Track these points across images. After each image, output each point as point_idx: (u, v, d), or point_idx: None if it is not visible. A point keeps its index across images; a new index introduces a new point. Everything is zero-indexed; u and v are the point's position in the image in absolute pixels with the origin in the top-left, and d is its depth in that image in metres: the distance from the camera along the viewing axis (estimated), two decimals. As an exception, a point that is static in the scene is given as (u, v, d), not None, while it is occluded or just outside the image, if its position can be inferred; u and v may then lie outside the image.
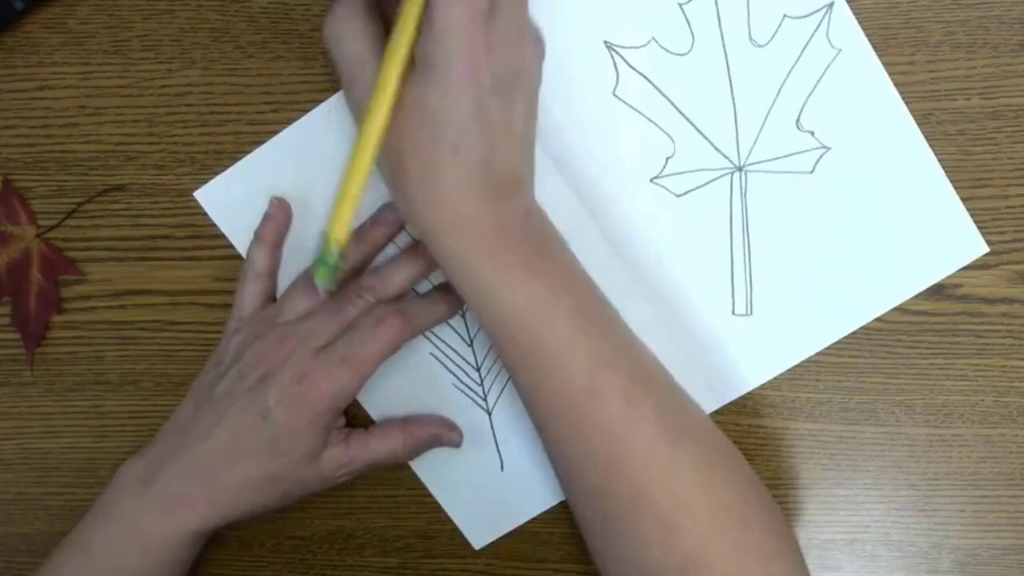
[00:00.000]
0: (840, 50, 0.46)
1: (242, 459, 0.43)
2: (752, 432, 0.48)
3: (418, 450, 0.48)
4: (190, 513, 0.44)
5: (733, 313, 0.47)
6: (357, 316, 0.44)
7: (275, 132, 0.48)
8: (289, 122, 0.48)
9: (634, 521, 0.40)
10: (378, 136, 0.38)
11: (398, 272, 0.46)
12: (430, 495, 0.50)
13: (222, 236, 0.49)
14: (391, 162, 0.40)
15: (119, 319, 0.50)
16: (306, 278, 0.46)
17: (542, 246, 0.41)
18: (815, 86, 0.46)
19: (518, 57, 0.39)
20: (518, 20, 0.39)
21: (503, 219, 0.40)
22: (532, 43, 0.40)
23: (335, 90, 0.47)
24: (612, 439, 0.40)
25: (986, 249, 0.46)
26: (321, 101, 0.48)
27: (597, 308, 0.42)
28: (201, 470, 0.44)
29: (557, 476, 0.44)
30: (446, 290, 0.46)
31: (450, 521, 0.50)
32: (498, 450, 0.49)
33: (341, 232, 0.39)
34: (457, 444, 0.48)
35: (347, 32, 0.40)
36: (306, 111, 0.48)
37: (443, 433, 0.48)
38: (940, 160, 0.46)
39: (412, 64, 0.38)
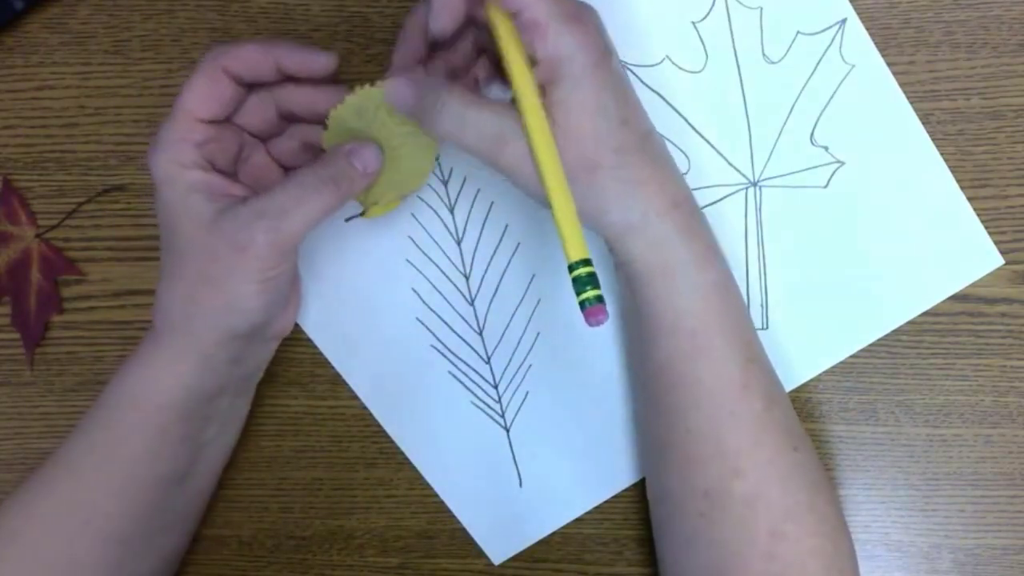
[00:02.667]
0: (853, 66, 0.46)
1: (162, 267, 0.42)
2: (752, 432, 0.48)
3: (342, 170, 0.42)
4: (162, 345, 0.43)
5: None
6: None
7: (275, 132, 0.48)
8: (289, 122, 0.48)
9: (743, 524, 0.39)
10: (556, 159, 0.38)
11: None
12: (430, 495, 0.50)
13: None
14: (577, 167, 0.39)
15: (119, 319, 0.50)
16: None
17: (699, 216, 0.41)
18: (829, 101, 0.46)
19: (599, 24, 0.39)
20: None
21: (677, 190, 0.40)
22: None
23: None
24: (748, 436, 0.39)
25: (1001, 261, 0.46)
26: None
27: (742, 301, 0.42)
28: (171, 321, 0.43)
29: (662, 484, 0.43)
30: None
31: (450, 521, 0.50)
32: (516, 466, 0.49)
33: (580, 252, 0.38)
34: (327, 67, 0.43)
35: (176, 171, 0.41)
36: (306, 111, 0.48)
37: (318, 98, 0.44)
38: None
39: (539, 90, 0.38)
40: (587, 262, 0.37)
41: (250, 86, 0.43)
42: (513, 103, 0.39)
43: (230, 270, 0.41)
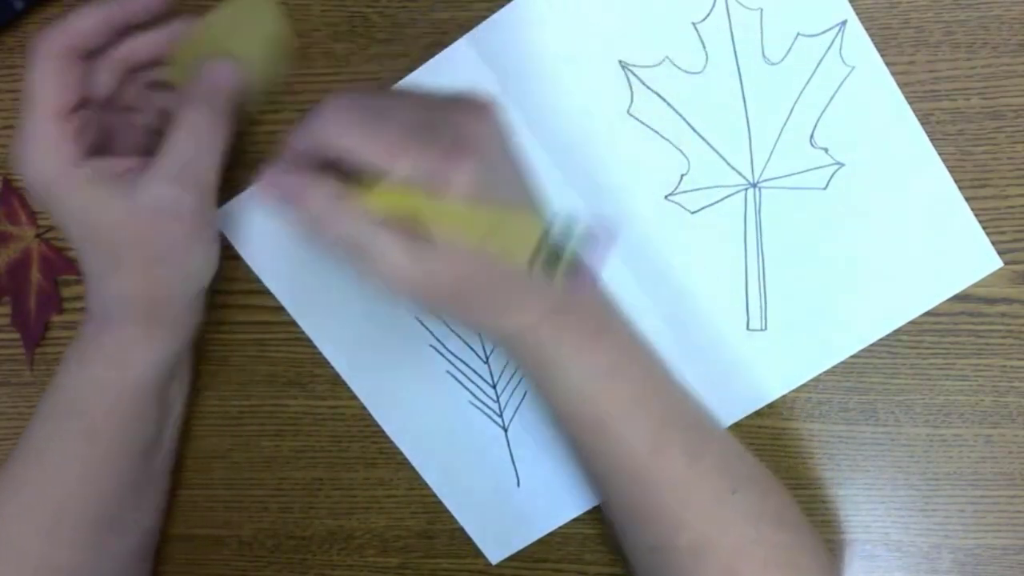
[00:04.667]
0: (853, 67, 0.46)
1: (84, 264, 0.42)
2: (752, 432, 0.48)
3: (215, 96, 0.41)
4: (114, 328, 0.43)
5: (748, 328, 0.48)
6: None
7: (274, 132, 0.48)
8: (288, 122, 0.48)
9: (695, 574, 0.40)
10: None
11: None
12: (430, 495, 0.50)
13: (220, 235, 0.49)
14: (445, 306, 0.39)
15: (119, 319, 0.50)
16: None
17: (598, 312, 0.42)
18: (828, 103, 0.46)
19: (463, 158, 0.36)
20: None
21: (559, 300, 0.40)
22: (475, 116, 0.38)
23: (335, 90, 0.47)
24: (677, 494, 0.40)
25: (1000, 264, 0.46)
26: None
27: (654, 366, 0.42)
28: (88, 291, 0.43)
29: (614, 533, 0.44)
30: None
31: (450, 521, 0.50)
32: (514, 466, 0.49)
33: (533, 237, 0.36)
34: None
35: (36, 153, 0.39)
36: (304, 110, 0.47)
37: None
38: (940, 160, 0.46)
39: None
40: (545, 234, 0.35)
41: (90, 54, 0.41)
42: None
43: (177, 241, 0.41)
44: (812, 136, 0.46)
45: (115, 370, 0.43)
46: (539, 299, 0.39)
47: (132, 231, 0.40)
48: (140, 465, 0.45)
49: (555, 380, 0.41)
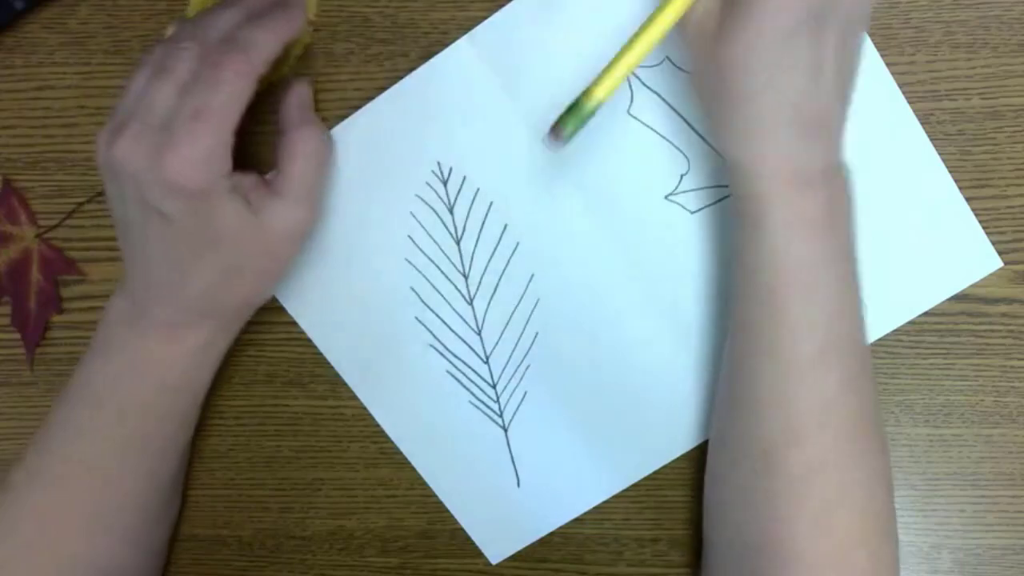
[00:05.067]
0: None
1: (189, 268, 0.42)
2: (752, 432, 0.48)
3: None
4: (189, 333, 0.44)
5: None
6: (190, 70, 0.40)
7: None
8: (289, 122, 0.48)
9: (796, 494, 0.39)
10: (675, 16, 0.38)
11: (221, 15, 0.41)
12: (430, 495, 0.50)
13: (222, 236, 0.49)
14: (708, 88, 0.40)
15: (119, 319, 0.50)
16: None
17: (831, 210, 0.40)
18: None
19: None
20: None
21: (806, 165, 0.39)
22: None
23: (334, 90, 0.47)
24: (814, 414, 0.39)
25: (1000, 264, 0.46)
26: (319, 102, 0.48)
27: (853, 287, 0.41)
28: (168, 294, 0.43)
29: (723, 420, 0.43)
30: (279, 4, 0.43)
31: (450, 521, 0.50)
32: (514, 466, 0.49)
33: (604, 94, 0.39)
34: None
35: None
36: (306, 111, 0.48)
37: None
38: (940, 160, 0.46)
39: None
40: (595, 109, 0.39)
41: None
42: None
43: (256, 265, 0.43)
44: (812, 136, 0.46)
45: (165, 373, 0.44)
46: (785, 139, 0.39)
47: (246, 242, 0.42)
48: (183, 459, 0.48)
49: (770, 250, 0.39)
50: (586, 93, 0.39)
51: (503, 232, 0.48)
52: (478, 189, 0.48)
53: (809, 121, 0.38)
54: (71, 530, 0.44)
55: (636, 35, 0.39)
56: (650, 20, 0.39)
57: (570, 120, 0.39)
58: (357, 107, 0.47)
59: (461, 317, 0.49)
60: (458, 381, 0.49)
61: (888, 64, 0.46)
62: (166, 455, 0.46)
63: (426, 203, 0.48)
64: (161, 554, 0.50)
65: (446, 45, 0.47)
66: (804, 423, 0.39)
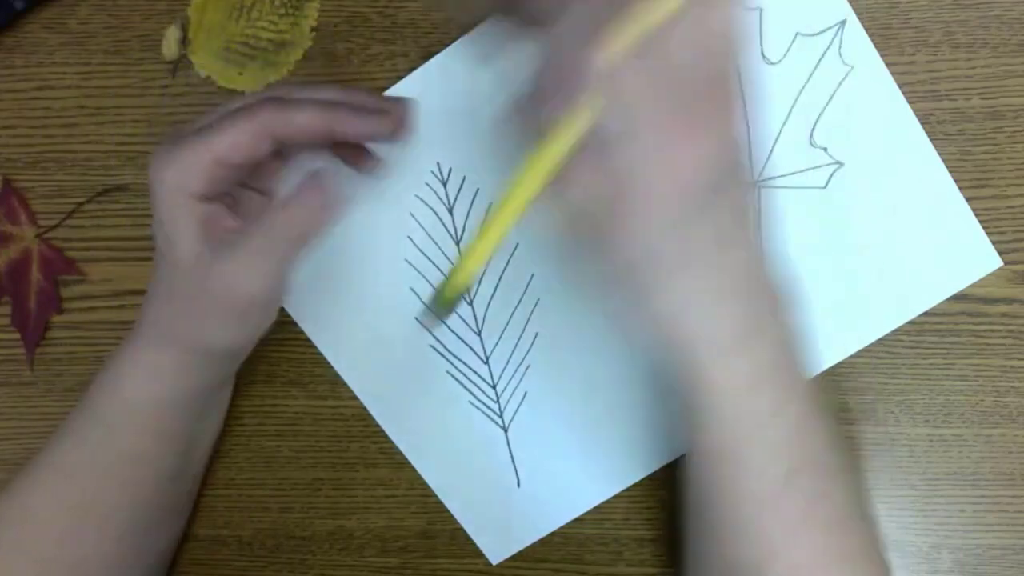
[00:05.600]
0: (852, 67, 0.46)
1: (152, 284, 0.42)
2: (752, 432, 0.48)
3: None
4: (150, 348, 0.42)
5: None
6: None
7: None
8: (289, 122, 0.48)
9: None
10: (528, 198, 0.34)
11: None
12: (430, 495, 0.50)
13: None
14: (606, 279, 0.36)
15: (119, 319, 0.50)
16: None
17: (773, 356, 0.37)
18: (828, 102, 0.46)
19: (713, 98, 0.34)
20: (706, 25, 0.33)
21: (735, 326, 0.36)
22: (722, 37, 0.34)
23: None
24: (786, 533, 0.37)
25: (1000, 263, 0.46)
26: (321, 101, 0.48)
27: (812, 412, 0.38)
28: (160, 328, 0.42)
29: (684, 541, 0.42)
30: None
31: (450, 521, 0.50)
32: (514, 467, 0.49)
33: (465, 280, 0.36)
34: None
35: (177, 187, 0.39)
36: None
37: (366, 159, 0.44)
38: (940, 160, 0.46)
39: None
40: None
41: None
42: None
43: (210, 311, 0.41)
44: (811, 135, 0.46)
45: (137, 388, 0.43)
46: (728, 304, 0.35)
47: (194, 277, 0.40)
48: (164, 489, 0.46)
49: (692, 404, 0.37)
50: (447, 282, 0.36)
51: (503, 232, 0.48)
52: (478, 189, 0.48)
53: (731, 284, 0.36)
54: (49, 533, 0.43)
55: (489, 222, 0.35)
56: (506, 195, 0.34)
57: (437, 309, 0.37)
58: (357, 107, 0.47)
59: (461, 317, 0.49)
60: (458, 381, 0.49)
61: (888, 64, 0.46)
62: (138, 468, 0.44)
63: (426, 204, 0.48)
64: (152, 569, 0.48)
65: (446, 45, 0.47)
66: (776, 541, 0.37)
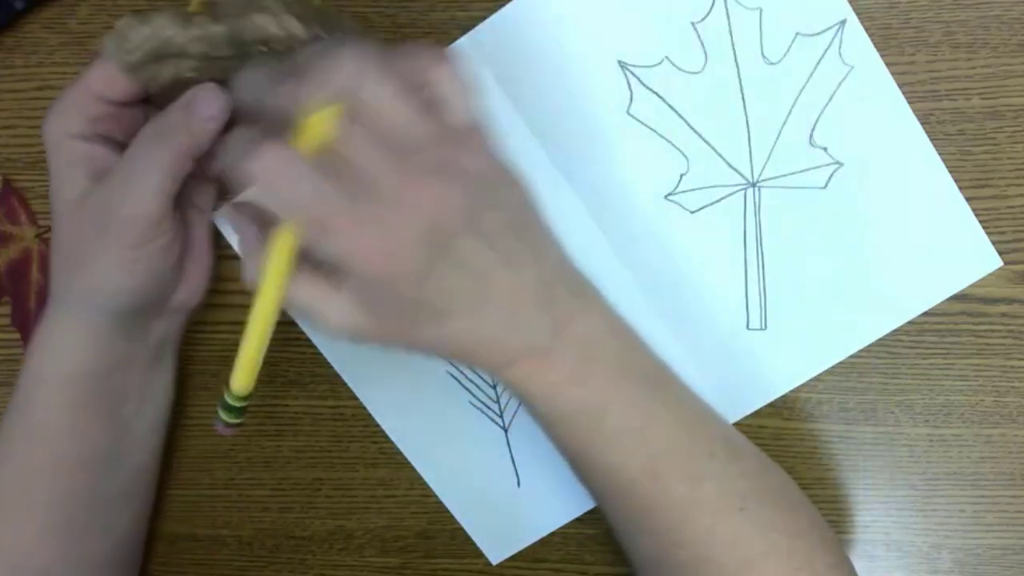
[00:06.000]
0: (852, 67, 0.46)
1: (55, 248, 0.42)
2: (751, 432, 0.48)
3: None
4: (76, 343, 0.42)
5: (748, 328, 0.48)
6: None
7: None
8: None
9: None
10: (279, 299, 0.37)
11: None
12: (430, 495, 0.50)
13: (220, 236, 0.49)
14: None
15: (119, 319, 0.50)
16: None
17: (580, 354, 0.38)
18: (828, 102, 0.46)
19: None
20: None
21: (531, 340, 0.37)
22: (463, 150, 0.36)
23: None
24: (674, 517, 0.38)
25: (1000, 263, 0.46)
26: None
27: (649, 394, 0.39)
28: (62, 295, 0.42)
29: (615, 536, 0.43)
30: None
31: (450, 521, 0.50)
32: (514, 466, 0.49)
33: (243, 383, 0.38)
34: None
35: (66, 138, 0.40)
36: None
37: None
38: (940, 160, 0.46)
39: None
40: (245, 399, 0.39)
41: None
42: None
43: (95, 251, 0.40)
44: (811, 135, 0.46)
45: (47, 362, 0.42)
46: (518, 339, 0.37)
47: (68, 221, 0.40)
48: (97, 472, 0.43)
49: (535, 413, 0.40)
50: (226, 387, 0.39)
51: (503, 232, 0.48)
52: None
53: (510, 303, 0.36)
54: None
55: (250, 323, 0.38)
56: (259, 298, 0.37)
57: (224, 414, 0.39)
58: (357, 107, 0.47)
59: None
60: (458, 381, 0.49)
61: (888, 64, 0.46)
62: (56, 447, 0.42)
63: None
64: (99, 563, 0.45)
65: (446, 45, 0.47)
66: (672, 528, 0.39)
